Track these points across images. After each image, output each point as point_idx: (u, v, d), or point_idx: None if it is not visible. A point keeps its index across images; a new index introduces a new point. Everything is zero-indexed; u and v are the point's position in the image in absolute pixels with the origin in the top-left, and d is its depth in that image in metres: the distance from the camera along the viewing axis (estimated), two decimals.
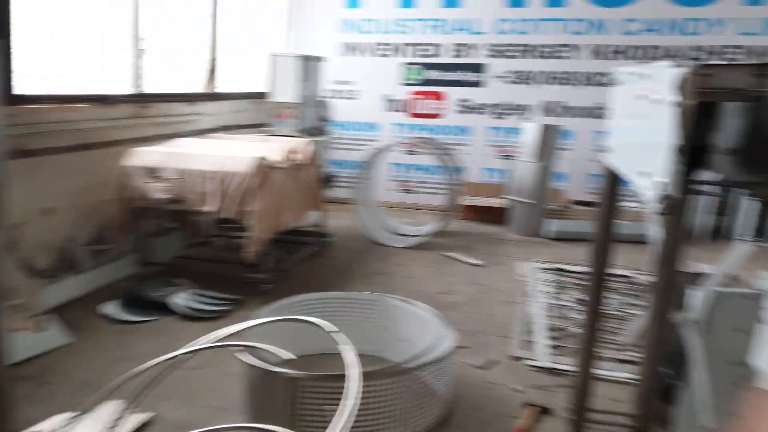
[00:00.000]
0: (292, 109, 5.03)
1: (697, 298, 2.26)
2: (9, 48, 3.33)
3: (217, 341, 2.55)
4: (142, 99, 4.46)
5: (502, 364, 3.13)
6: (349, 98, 6.83)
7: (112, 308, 3.64)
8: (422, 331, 2.98)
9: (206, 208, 3.76)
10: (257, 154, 3.76)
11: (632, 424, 1.96)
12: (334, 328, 2.42)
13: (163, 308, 3.66)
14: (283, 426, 2.30)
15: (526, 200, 5.61)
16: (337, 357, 2.68)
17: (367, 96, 6.78)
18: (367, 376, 2.31)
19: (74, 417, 2.35)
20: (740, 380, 2.35)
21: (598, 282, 1.90)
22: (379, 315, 3.16)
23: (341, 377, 2.24)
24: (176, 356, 2.47)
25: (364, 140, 6.81)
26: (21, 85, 3.47)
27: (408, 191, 6.85)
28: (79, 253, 3.89)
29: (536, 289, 4.13)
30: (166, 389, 2.72)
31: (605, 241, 1.83)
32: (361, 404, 2.33)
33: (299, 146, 4.36)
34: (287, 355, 2.35)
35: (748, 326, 2.28)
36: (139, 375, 2.37)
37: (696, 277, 2.28)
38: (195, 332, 3.01)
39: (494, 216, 6.14)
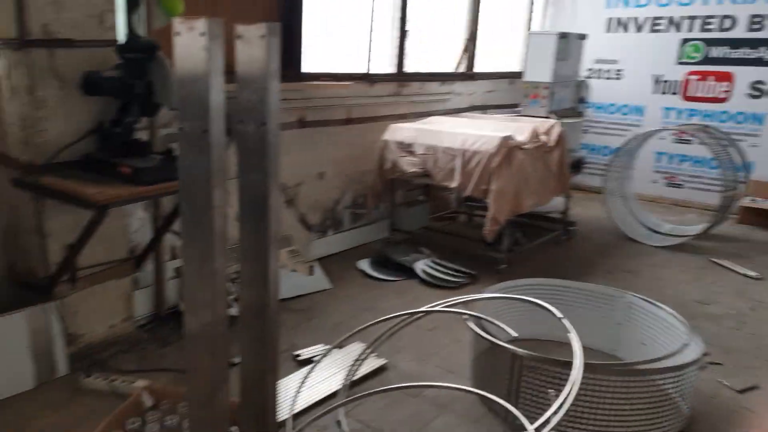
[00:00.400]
0: (545, 89, 4.91)
1: None
2: (301, 31, 3.92)
3: (451, 307, 2.72)
4: (402, 78, 4.82)
5: (764, 391, 2.69)
6: (612, 78, 6.36)
7: (364, 265, 4.10)
8: (664, 336, 2.72)
9: (450, 184, 3.95)
10: (502, 134, 3.79)
11: None
12: (562, 315, 2.38)
13: (407, 271, 4.00)
14: (503, 400, 2.36)
15: None
16: (559, 346, 2.63)
17: (633, 76, 6.22)
18: (593, 368, 2.23)
19: (328, 349, 2.76)
20: None
21: None
22: (616, 312, 2.98)
23: (566, 364, 2.20)
24: (414, 313, 2.71)
25: (626, 125, 6.31)
26: (304, 64, 4.05)
27: (674, 185, 6.16)
28: (341, 215, 4.46)
29: None
30: (401, 343, 3.01)
31: None
32: (583, 399, 2.26)
33: (548, 128, 4.27)
34: (513, 333, 2.40)
35: None
36: (381, 324, 2.68)
37: None
38: (432, 297, 3.24)
39: None
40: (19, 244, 2.70)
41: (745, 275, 4.12)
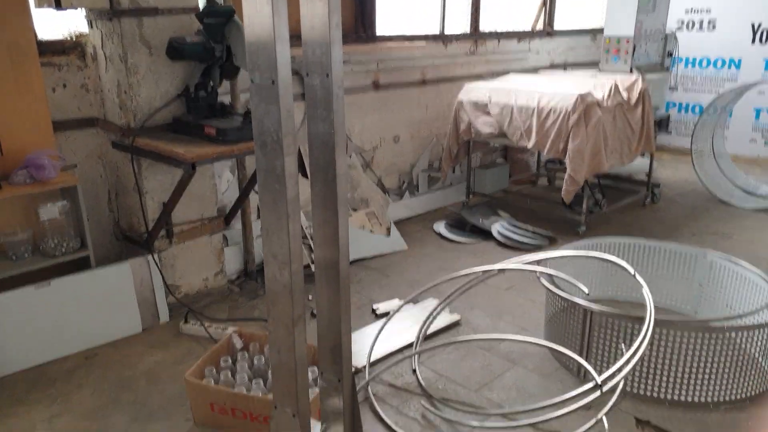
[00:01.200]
0: (627, 44, 4.68)
1: None
2: None
3: (525, 265, 2.75)
4: (477, 37, 4.77)
5: None
6: (704, 29, 5.94)
7: (440, 227, 4.17)
8: (750, 297, 2.62)
9: (526, 144, 3.91)
10: (580, 91, 3.70)
11: None
12: (634, 271, 2.36)
13: (483, 234, 4.04)
14: (576, 352, 2.40)
15: None
16: (636, 307, 2.61)
17: (727, 26, 5.78)
18: (666, 324, 2.21)
19: (403, 303, 2.88)
20: None
21: None
22: (698, 273, 2.89)
23: (638, 319, 2.20)
24: (488, 270, 2.77)
25: (720, 79, 5.91)
26: (378, 27, 4.09)
27: None
28: (418, 178, 4.53)
29: None
30: (476, 300, 3.09)
31: None
32: (657, 354, 2.24)
33: (630, 84, 4.10)
34: (585, 289, 2.41)
35: None
36: (456, 280, 2.76)
37: None
38: (508, 258, 3.29)
39: None
40: (121, 202, 3.01)
41: None
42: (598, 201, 4.10)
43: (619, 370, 1.98)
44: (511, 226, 4.04)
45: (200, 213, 3.06)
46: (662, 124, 4.86)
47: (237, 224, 3.31)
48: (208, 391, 2.10)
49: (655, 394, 2.28)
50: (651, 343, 2.23)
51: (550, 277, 2.61)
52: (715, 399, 2.25)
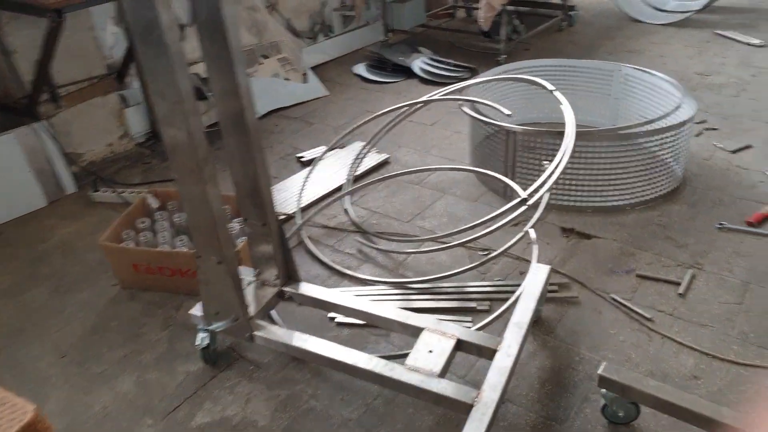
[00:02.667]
0: None
1: None
2: None
3: (447, 95, 2.68)
4: None
5: (757, 149, 2.74)
6: None
7: (361, 69, 3.98)
8: (662, 104, 2.70)
9: None
10: None
11: None
12: (554, 88, 2.34)
13: (405, 71, 3.89)
14: (502, 173, 2.43)
15: None
16: (556, 126, 2.65)
17: None
18: (584, 135, 2.25)
19: (329, 147, 2.79)
20: None
21: None
22: (614, 86, 2.93)
23: (558, 134, 2.22)
24: (412, 105, 2.68)
25: None
26: None
27: None
28: (331, 18, 4.21)
29: None
30: (402, 139, 3.03)
31: None
32: (577, 164, 2.31)
33: None
34: (507, 111, 2.39)
35: None
36: (381, 120, 2.66)
37: None
38: (432, 93, 3.20)
39: None
40: None
41: (749, 44, 3.98)
42: (516, 27, 3.99)
43: (543, 184, 2.03)
44: (432, 62, 3.91)
45: (87, 72, 2.73)
46: None
47: (135, 83, 3.00)
48: (129, 252, 2.00)
49: (578, 204, 2.39)
50: (571, 156, 2.28)
51: (473, 105, 2.57)
52: (631, 201, 2.39)
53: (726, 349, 1.70)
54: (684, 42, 4.15)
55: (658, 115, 2.40)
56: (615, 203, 2.38)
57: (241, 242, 2.00)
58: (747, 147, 2.77)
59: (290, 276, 1.82)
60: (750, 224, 2.24)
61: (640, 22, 4.62)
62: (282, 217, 2.42)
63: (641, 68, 2.81)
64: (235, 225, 2.13)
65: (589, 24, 4.69)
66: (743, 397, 1.54)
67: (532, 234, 2.06)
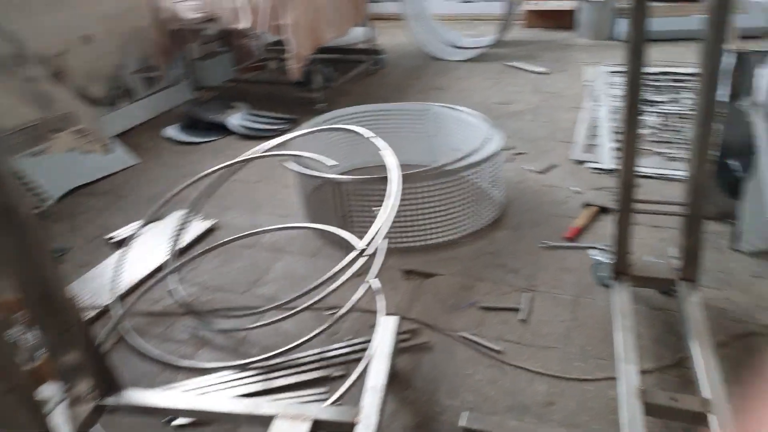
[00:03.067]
0: None
1: (763, 78, 1.99)
2: None
3: (267, 151, 2.57)
4: None
5: (562, 168, 3.02)
6: None
7: (173, 131, 3.73)
8: (473, 137, 2.86)
9: (240, 25, 3.59)
10: None
11: (684, 212, 1.85)
12: (373, 134, 2.36)
13: (221, 129, 3.72)
14: (335, 225, 2.37)
15: None
16: (383, 170, 2.67)
17: None
18: (409, 178, 2.28)
19: (147, 223, 2.51)
20: None
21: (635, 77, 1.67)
22: (428, 125, 3.05)
23: (383, 180, 2.22)
24: (231, 165, 2.52)
25: None
26: None
27: (464, 0, 6.28)
28: (130, 81, 3.92)
29: (603, 93, 3.84)
30: (228, 201, 2.85)
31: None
32: (407, 206, 2.34)
33: None
34: (330, 161, 2.34)
35: None
36: (198, 183, 2.47)
37: (765, 57, 1.99)
38: (252, 149, 3.07)
39: (562, 20, 5.60)
40: None
41: (535, 72, 4.45)
42: (328, 75, 4.03)
43: (377, 232, 1.99)
44: (250, 116, 3.79)
45: None
46: None
47: None
48: None
49: (415, 244, 2.40)
50: (400, 199, 2.29)
51: (296, 159, 2.49)
52: (463, 234, 2.46)
53: (571, 367, 1.77)
54: (482, 75, 4.52)
55: (472, 148, 2.52)
56: (448, 238, 2.44)
57: (40, 356, 1.67)
58: (552, 167, 3.04)
59: (110, 384, 1.55)
60: (568, 239, 2.42)
61: (441, 60, 4.96)
62: (93, 313, 2.10)
63: (448, 105, 2.96)
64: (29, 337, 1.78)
65: (397, 66, 4.93)
66: (594, 415, 1.60)
67: (375, 285, 2.00)
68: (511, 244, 2.41)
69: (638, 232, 2.33)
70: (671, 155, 3.01)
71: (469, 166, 2.38)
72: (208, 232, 2.62)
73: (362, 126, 2.95)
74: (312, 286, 1.87)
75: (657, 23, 4.92)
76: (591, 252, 2.14)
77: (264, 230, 2.52)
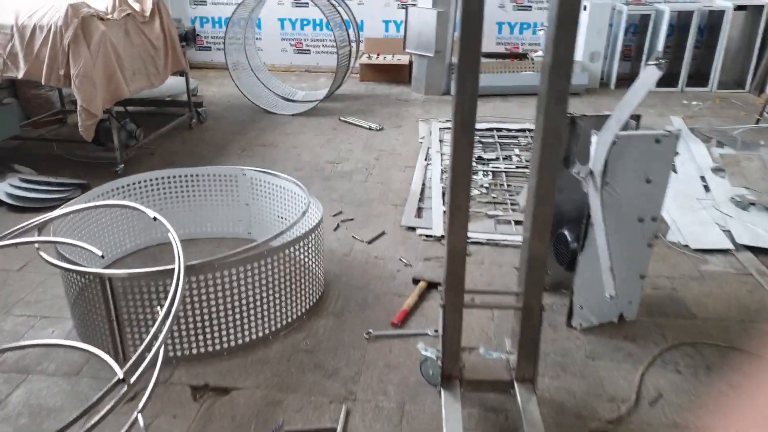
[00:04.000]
0: None
1: (596, 145, 1.88)
2: None
3: (18, 235, 1.98)
4: None
5: (392, 235, 2.75)
6: None
7: None
8: (292, 205, 2.51)
9: (15, 74, 2.96)
10: (72, 1, 2.92)
11: (518, 305, 1.62)
12: (156, 214, 1.90)
13: None
14: (107, 332, 1.84)
15: (428, 54, 5.01)
16: (187, 245, 2.22)
17: None
18: (201, 268, 1.85)
19: None
20: (650, 237, 2.06)
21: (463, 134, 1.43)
22: (243, 192, 2.65)
23: (166, 273, 1.77)
24: None
25: None
26: None
27: (302, 51, 6.05)
28: None
29: (435, 152, 3.71)
30: None
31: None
32: (200, 302, 1.89)
33: None
34: (98, 251, 1.84)
35: (655, 175, 1.95)
36: None
37: (601, 121, 1.88)
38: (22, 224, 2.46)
39: (396, 75, 5.56)
40: None
41: (369, 128, 4.26)
42: (132, 132, 3.48)
43: (148, 348, 1.52)
44: (25, 182, 3.09)
45: None
46: (189, 37, 4.45)
47: None
48: None
49: (210, 349, 1.94)
50: (188, 296, 1.84)
51: (57, 246, 1.94)
52: (274, 328, 2.05)
53: None
54: (314, 131, 4.22)
55: (292, 217, 2.15)
56: (255, 336, 2.01)
57: None
58: (381, 234, 2.75)
59: None
60: (395, 325, 2.11)
61: (272, 113, 4.60)
62: None
63: (264, 170, 2.58)
64: None
65: (220, 118, 4.48)
66: None
67: (141, 421, 1.51)
68: (332, 336, 2.04)
69: (473, 315, 2.09)
70: (503, 218, 2.88)
71: (282, 246, 1.98)
72: None
73: (168, 193, 2.48)
74: (58, 429, 1.33)
75: (487, 79, 5.05)
76: (419, 345, 1.83)
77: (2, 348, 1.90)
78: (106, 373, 1.83)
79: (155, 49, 3.49)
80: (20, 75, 2.93)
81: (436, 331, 2.06)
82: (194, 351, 1.92)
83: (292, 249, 2.02)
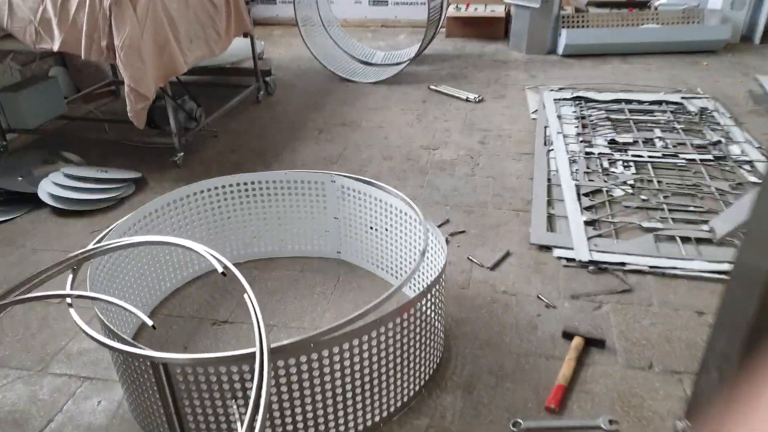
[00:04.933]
0: None
1: None
2: None
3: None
4: None
5: (518, 257, 2.12)
6: None
7: None
8: (390, 220, 1.91)
9: (49, 45, 2.43)
10: None
11: None
12: (228, 264, 1.35)
13: (29, 199, 2.54)
14: (165, 422, 1.34)
15: (532, 5, 4.19)
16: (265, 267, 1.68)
17: None
18: (289, 351, 1.29)
19: None
20: None
21: None
22: (331, 203, 2.06)
23: (244, 358, 1.23)
24: None
25: None
26: None
27: (377, 2, 5.31)
28: None
29: (557, 133, 3.00)
30: None
31: None
32: (304, 383, 1.34)
33: None
34: (149, 321, 1.31)
35: None
36: None
37: None
38: (70, 235, 2.01)
39: (489, 29, 4.76)
40: None
41: (467, 99, 3.56)
42: (191, 112, 2.93)
43: None
44: (70, 179, 2.62)
45: None
46: None
47: None
48: None
49: None
50: (275, 385, 1.29)
51: (97, 303, 1.43)
52: (389, 410, 1.49)
53: None
54: (401, 103, 3.56)
55: (394, 237, 1.55)
56: (362, 426, 1.46)
57: None
58: (506, 256, 2.13)
59: None
60: (551, 410, 1.51)
61: (349, 81, 3.96)
62: None
63: (357, 177, 1.97)
64: None
65: (291, 88, 3.88)
66: None
67: None
68: (465, 427, 1.47)
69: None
70: (664, 232, 2.19)
71: (402, 308, 1.39)
72: None
73: (228, 207, 1.94)
74: None
75: (602, 34, 4.21)
76: None
77: None
78: None
79: (215, 9, 2.89)
80: (56, 47, 2.40)
81: (611, 421, 1.46)
82: None
83: (415, 309, 1.43)
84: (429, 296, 1.49)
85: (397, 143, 3.03)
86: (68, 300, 1.43)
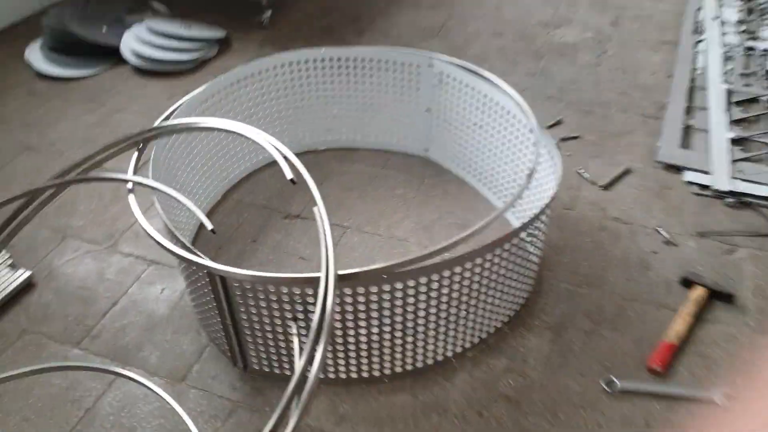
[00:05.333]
0: None
1: None
2: None
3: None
4: None
5: (641, 177, 1.79)
6: None
7: (37, 55, 2.44)
8: (499, 126, 1.61)
9: None
10: None
11: None
12: (301, 169, 1.16)
13: (113, 53, 2.43)
14: (222, 331, 1.26)
15: None
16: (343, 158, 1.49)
17: None
18: (364, 278, 1.11)
19: None
20: None
21: None
22: (424, 91, 1.77)
23: (307, 281, 1.07)
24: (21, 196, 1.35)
25: None
26: None
27: None
28: None
29: (711, 18, 2.43)
30: (74, 219, 1.64)
31: None
32: (372, 314, 1.19)
33: None
34: (209, 224, 1.18)
35: None
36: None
37: None
38: (148, 97, 1.90)
39: None
40: None
41: None
42: None
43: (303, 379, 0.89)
44: (154, 34, 2.45)
45: None
46: None
47: None
48: None
49: (364, 374, 1.29)
50: (339, 312, 1.16)
51: (157, 194, 1.30)
52: (465, 345, 1.33)
53: None
54: None
55: (492, 139, 1.31)
56: (432, 360, 1.31)
57: None
58: (624, 173, 1.80)
59: None
60: (655, 372, 1.29)
61: None
62: None
63: (462, 64, 1.66)
64: None
65: None
66: None
67: None
68: (547, 376, 1.29)
69: None
70: None
71: (494, 244, 1.17)
72: (25, 289, 1.50)
73: (318, 81, 1.73)
74: None
75: None
76: None
77: (73, 367, 1.38)
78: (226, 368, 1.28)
79: None
80: None
81: (729, 396, 1.23)
82: (342, 375, 1.28)
83: (511, 243, 1.21)
84: (531, 228, 1.25)
85: (511, 16, 2.59)
86: (128, 185, 1.31)
